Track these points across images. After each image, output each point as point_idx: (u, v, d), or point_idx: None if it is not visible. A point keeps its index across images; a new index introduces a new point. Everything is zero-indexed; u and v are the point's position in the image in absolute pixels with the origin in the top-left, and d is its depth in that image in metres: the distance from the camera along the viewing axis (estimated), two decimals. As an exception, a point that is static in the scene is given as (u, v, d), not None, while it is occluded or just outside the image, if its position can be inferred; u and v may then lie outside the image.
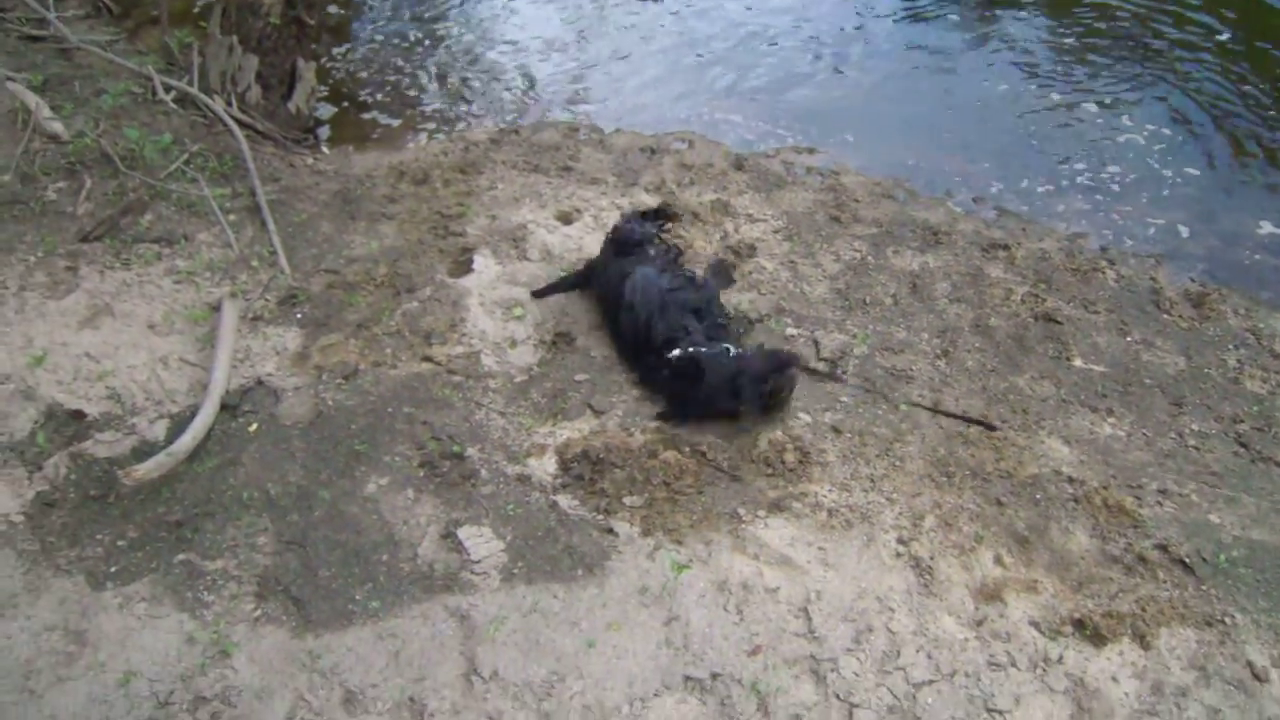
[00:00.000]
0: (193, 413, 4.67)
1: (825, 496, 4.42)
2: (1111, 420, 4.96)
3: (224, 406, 4.77)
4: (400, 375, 4.99)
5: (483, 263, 5.70)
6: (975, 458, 4.65)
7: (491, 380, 5.00)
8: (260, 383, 4.93)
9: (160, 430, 4.66)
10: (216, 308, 5.26)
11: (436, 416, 4.75)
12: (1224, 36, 8.55)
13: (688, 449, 4.60)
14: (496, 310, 5.40)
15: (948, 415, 4.95)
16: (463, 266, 5.71)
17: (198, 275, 5.52)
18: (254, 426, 4.73)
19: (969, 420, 4.92)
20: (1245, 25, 8.66)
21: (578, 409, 4.84)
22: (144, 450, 4.52)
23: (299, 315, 5.35)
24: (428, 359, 5.08)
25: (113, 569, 4.06)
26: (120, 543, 4.16)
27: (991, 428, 4.89)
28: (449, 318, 5.32)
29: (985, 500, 4.45)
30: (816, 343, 5.25)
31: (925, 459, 4.64)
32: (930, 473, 4.57)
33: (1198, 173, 7.00)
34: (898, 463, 4.60)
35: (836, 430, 4.75)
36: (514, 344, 5.24)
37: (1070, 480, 4.57)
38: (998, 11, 9.05)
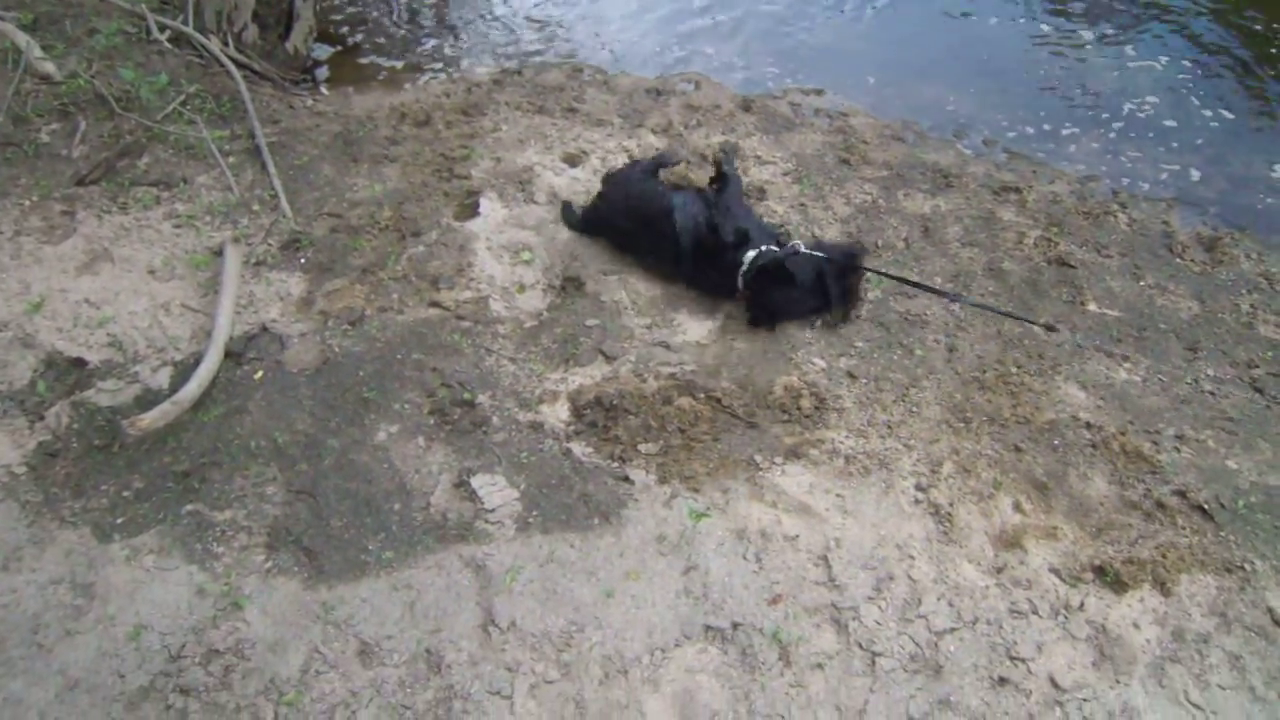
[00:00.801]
0: (197, 360, 4.59)
1: (842, 443, 4.38)
2: (1127, 365, 4.92)
3: (228, 354, 4.68)
4: (408, 321, 4.91)
5: (489, 206, 5.60)
6: (992, 403, 4.61)
7: (501, 326, 4.92)
8: (265, 329, 4.84)
9: (164, 378, 4.58)
10: (218, 252, 5.16)
11: (446, 363, 4.68)
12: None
13: (703, 395, 4.55)
14: (504, 254, 5.31)
15: (1006, 315, 5.07)
16: (468, 210, 5.61)
17: (198, 219, 5.41)
18: (260, 374, 4.65)
19: (1027, 321, 5.04)
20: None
21: (589, 355, 4.77)
22: (148, 399, 4.44)
23: (302, 260, 5.25)
24: (435, 304, 5.00)
25: (119, 520, 4.00)
26: (126, 494, 4.10)
27: (1052, 329, 5.02)
28: (456, 262, 5.23)
29: (1003, 446, 4.41)
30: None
31: (942, 405, 4.59)
32: (947, 419, 4.52)
33: (1209, 113, 6.92)
34: (914, 409, 4.56)
35: (852, 376, 4.69)
36: (522, 288, 5.15)
37: (1088, 426, 4.53)
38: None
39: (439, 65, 7.33)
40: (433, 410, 4.48)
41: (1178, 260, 5.63)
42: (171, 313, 4.89)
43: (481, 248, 5.32)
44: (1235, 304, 5.36)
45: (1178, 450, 4.49)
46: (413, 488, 4.16)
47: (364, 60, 7.35)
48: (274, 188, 5.67)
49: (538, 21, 7.87)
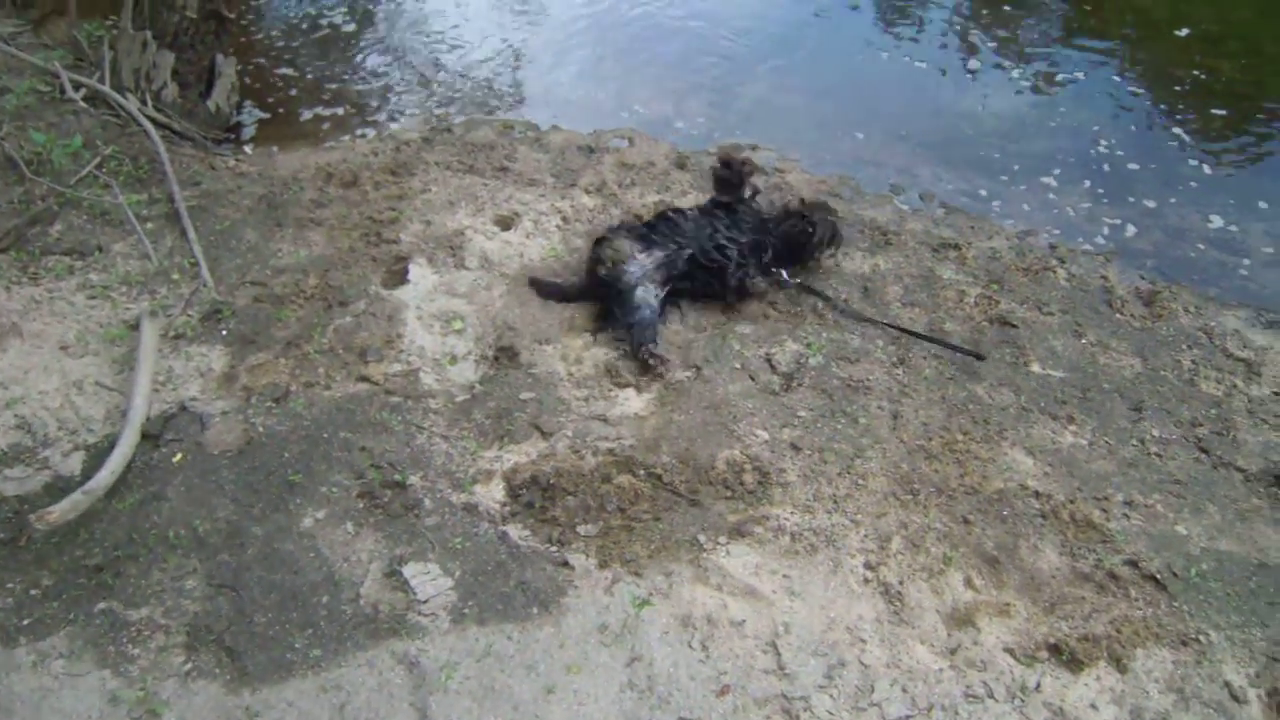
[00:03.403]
0: (111, 443, 4.37)
1: (788, 520, 4.25)
2: (1073, 428, 4.84)
3: (145, 435, 4.47)
4: (335, 397, 4.72)
5: (418, 272, 5.43)
6: (939, 473, 4.51)
7: (432, 400, 4.74)
8: (184, 408, 4.63)
9: (76, 463, 4.35)
10: (135, 326, 4.94)
11: (375, 442, 4.49)
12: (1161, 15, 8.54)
13: (643, 472, 4.40)
14: (435, 324, 5.14)
15: (933, 341, 5.23)
16: (397, 276, 5.44)
17: (113, 290, 5.19)
18: (178, 457, 4.44)
19: (957, 349, 5.18)
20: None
21: (524, 430, 4.60)
22: (58, 486, 4.22)
23: (224, 332, 5.05)
24: (364, 378, 4.82)
25: (25, 622, 3.77)
26: (33, 592, 3.87)
27: (980, 356, 5.14)
28: (385, 333, 5.05)
29: (952, 519, 4.31)
30: (769, 358, 5.05)
31: (888, 476, 4.48)
32: (894, 490, 4.41)
33: (1136, 166, 6.91)
34: (860, 481, 4.44)
35: (795, 448, 4.57)
36: (454, 360, 4.98)
37: (1037, 495, 4.44)
38: (933, 5, 8.93)
39: (368, 121, 7.14)
40: (362, 493, 4.29)
41: (1118, 316, 5.58)
42: (85, 392, 4.67)
43: (411, 317, 5.15)
44: (1177, 360, 5.31)
45: (1127, 517, 4.41)
46: (341, 578, 3.96)
47: (289, 117, 7.15)
48: (194, 255, 5.47)
49: (468, 76, 7.71)
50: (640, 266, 5.17)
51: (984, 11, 8.85)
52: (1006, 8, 8.81)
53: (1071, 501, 4.42)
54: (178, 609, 3.84)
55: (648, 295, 5.13)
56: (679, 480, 4.37)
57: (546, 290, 5.44)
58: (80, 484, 4.15)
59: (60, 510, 3.95)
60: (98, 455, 4.36)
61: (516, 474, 4.39)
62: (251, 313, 5.15)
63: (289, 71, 7.61)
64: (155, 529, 4.10)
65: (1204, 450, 4.82)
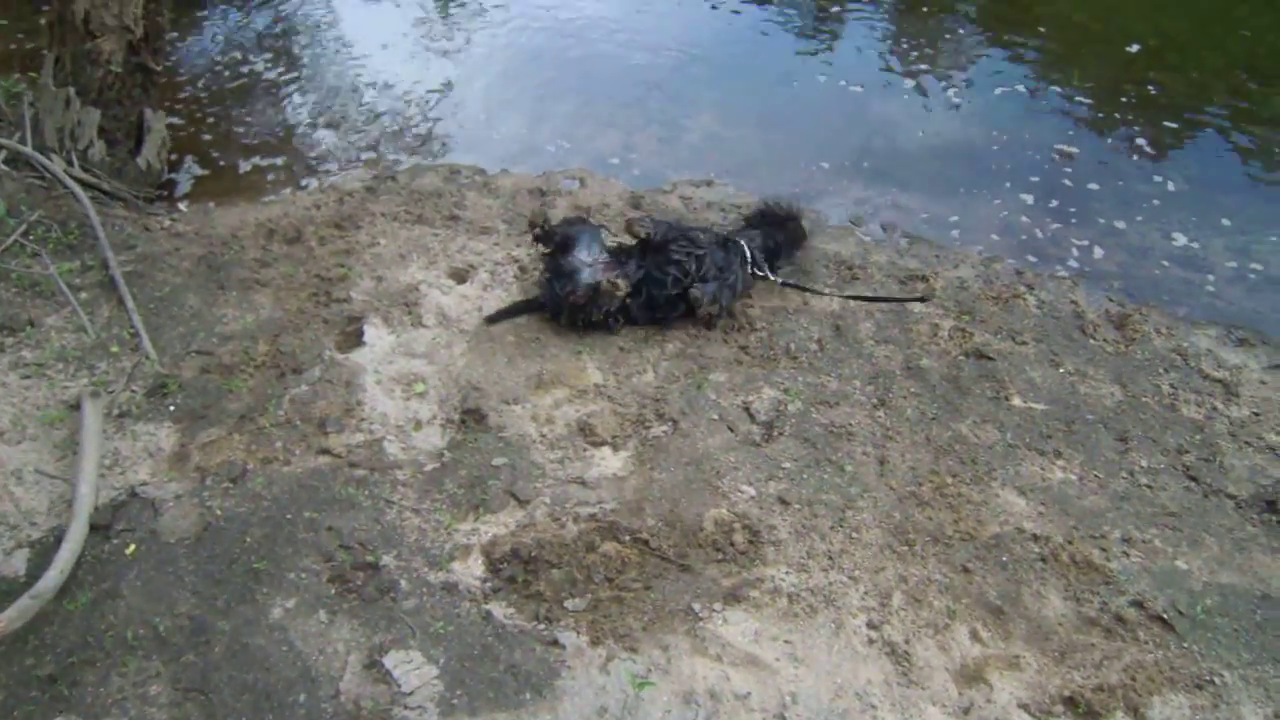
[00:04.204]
0: (58, 538, 4.07)
1: (783, 580, 4.07)
2: (1061, 463, 4.73)
3: (94, 527, 4.17)
4: (296, 473, 4.46)
5: (374, 333, 5.19)
6: (933, 520, 4.36)
7: (399, 471, 4.50)
8: (134, 494, 4.35)
9: (20, 562, 4.05)
10: (75, 406, 4.64)
11: (342, 520, 4.24)
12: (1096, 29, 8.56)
13: (628, 538, 4.20)
14: (395, 388, 4.91)
15: (880, 300, 5.60)
16: (352, 338, 5.19)
17: (49, 368, 4.88)
18: (131, 548, 4.15)
19: (901, 300, 5.59)
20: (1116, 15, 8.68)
21: (500, 499, 4.38)
22: (1, 590, 3.90)
23: (171, 408, 4.76)
24: (325, 451, 4.56)
25: (-24, 744, 3.47)
26: (-17, 709, 3.56)
27: (923, 299, 5.56)
28: (343, 401, 4.80)
29: (951, 568, 4.15)
30: (747, 406, 4.88)
31: (882, 526, 4.32)
32: (889, 542, 4.25)
33: (1096, 185, 6.86)
34: (854, 534, 4.27)
35: (784, 502, 4.39)
36: (419, 425, 4.75)
37: (1034, 538, 4.31)
38: (890, 28, 8.88)
39: (307, 171, 6.89)
40: (333, 577, 4.04)
41: (1092, 341, 5.50)
42: (24, 481, 4.37)
43: (370, 382, 4.91)
44: (1155, 385, 5.24)
45: (1127, 555, 4.30)
46: (318, 673, 3.70)
47: (224, 171, 6.88)
48: (134, 325, 5.18)
49: (406, 118, 7.49)
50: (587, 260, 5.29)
51: (906, 25, 8.82)
52: (934, 22, 8.79)
53: (1070, 542, 4.30)
54: (143, 718, 3.56)
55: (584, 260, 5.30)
56: (667, 544, 4.18)
57: (500, 316, 5.39)
58: (26, 585, 3.85)
59: (7, 619, 3.65)
60: (44, 552, 4.06)
61: (495, 547, 4.17)
62: (200, 385, 4.88)
63: (220, 123, 7.34)
64: (112, 630, 3.82)
65: (1193, 478, 4.73)
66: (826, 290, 5.70)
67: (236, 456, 4.53)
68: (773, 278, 5.61)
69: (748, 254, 5.52)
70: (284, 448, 4.58)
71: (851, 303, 5.62)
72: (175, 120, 7.30)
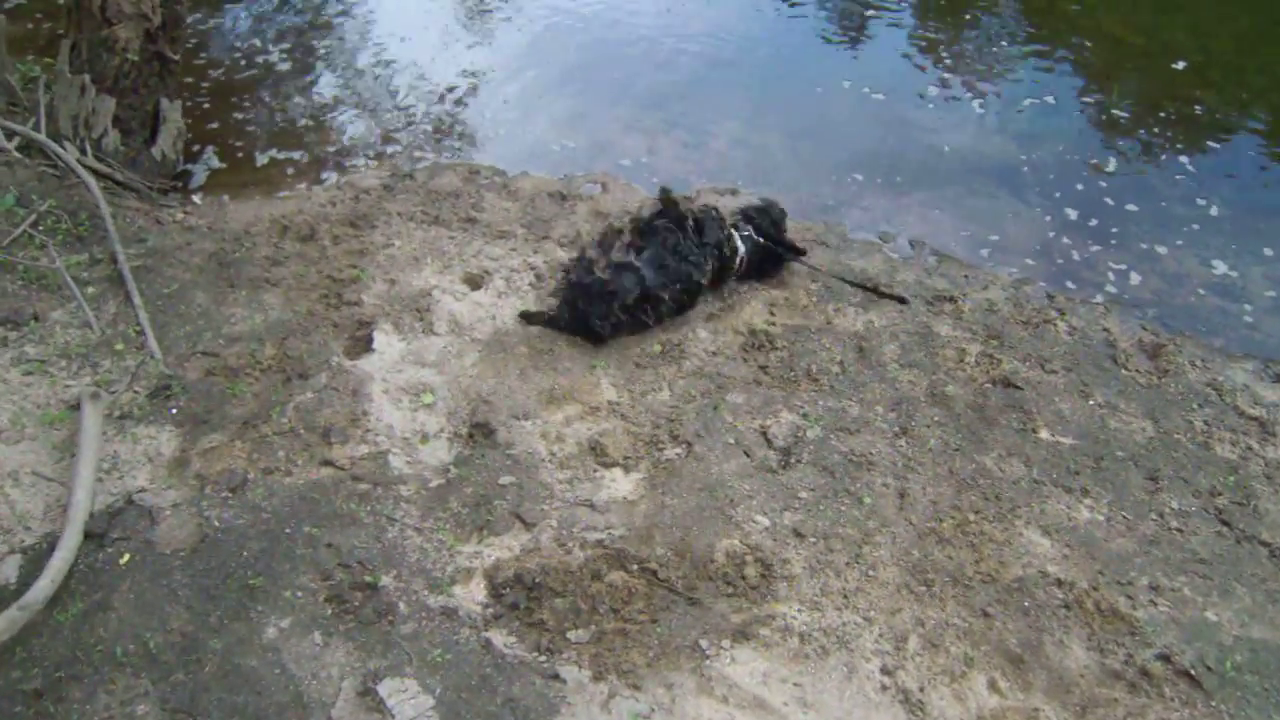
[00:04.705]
0: (51, 545, 3.96)
1: (795, 618, 3.91)
2: (1088, 502, 4.55)
3: (88, 535, 4.06)
4: (297, 484, 4.34)
5: (383, 340, 5.06)
6: (953, 559, 4.19)
7: (403, 486, 4.37)
8: (131, 501, 4.23)
9: (11, 569, 3.94)
10: (75, 407, 4.53)
11: (342, 537, 4.12)
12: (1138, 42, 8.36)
13: (636, 567, 4.05)
14: (403, 398, 4.77)
15: (864, 289, 5.65)
16: (361, 344, 5.06)
17: (51, 365, 4.78)
18: (126, 558, 4.04)
19: (883, 294, 5.63)
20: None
21: (505, 521, 4.24)
22: (-9, 597, 3.80)
23: (174, 410, 4.65)
24: (328, 463, 4.44)
25: (-44, 761, 3.35)
26: (-37, 725, 3.45)
27: (903, 300, 5.59)
28: (349, 410, 4.67)
29: (970, 612, 3.99)
30: (764, 430, 4.73)
31: (899, 564, 4.16)
32: (907, 581, 4.09)
33: (1134, 207, 6.66)
34: (870, 571, 4.11)
35: (798, 534, 4.24)
36: (425, 439, 4.61)
37: (1058, 582, 4.13)
38: (929, 42, 8.68)
39: (324, 165, 6.76)
40: (330, 597, 3.91)
41: (1124, 372, 5.31)
42: (21, 483, 4.27)
43: (377, 391, 4.78)
44: (1189, 421, 5.05)
45: (1154, 604, 4.12)
46: (311, 699, 3.58)
47: (241, 163, 6.76)
48: (140, 323, 5.07)
49: (427, 114, 7.36)
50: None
51: (940, 35, 8.63)
52: (966, 29, 8.60)
53: (1095, 588, 4.12)
54: (128, 740, 3.45)
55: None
56: (675, 576, 4.03)
57: (535, 319, 5.34)
58: (17, 594, 3.75)
59: (-6, 630, 3.55)
60: (36, 559, 3.95)
61: (498, 571, 4.03)
62: (204, 388, 4.76)
63: (239, 114, 7.22)
64: (101, 644, 3.70)
65: (1225, 523, 4.55)
66: (815, 264, 5.86)
67: (237, 465, 4.41)
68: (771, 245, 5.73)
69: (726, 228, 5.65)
70: (286, 457, 4.45)
71: (877, 322, 5.44)
72: (202, 104, 7.18)
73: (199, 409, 4.66)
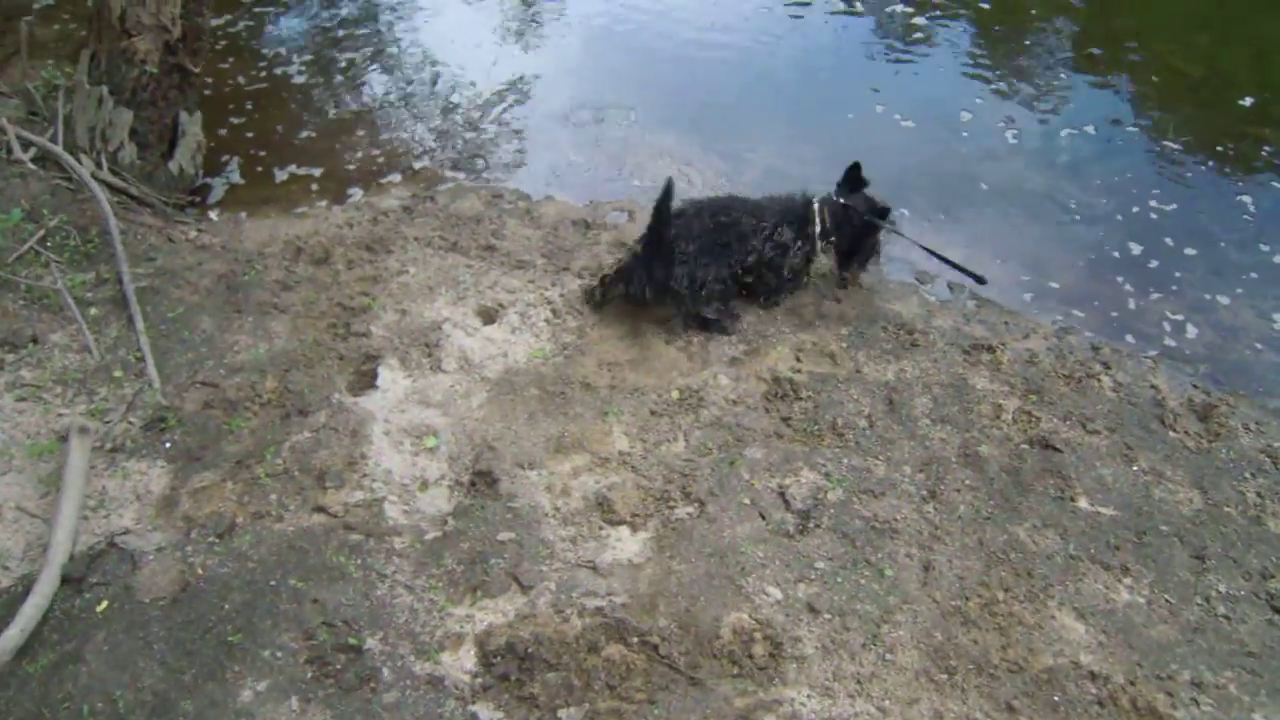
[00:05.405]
0: (26, 588, 3.78)
1: (804, 706, 3.64)
2: (1128, 581, 4.23)
3: (66, 580, 3.87)
4: (287, 531, 4.13)
5: (388, 376, 4.85)
6: (979, 644, 3.89)
7: (397, 539, 4.14)
8: (114, 544, 4.04)
9: (-16, 613, 3.76)
10: (66, 438, 4.34)
11: (329, 592, 3.90)
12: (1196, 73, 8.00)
13: (636, 640, 3.80)
14: (405, 441, 4.55)
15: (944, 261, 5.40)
16: (365, 379, 4.85)
17: (46, 391, 4.62)
18: (103, 605, 3.86)
19: (961, 270, 5.34)
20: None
21: (501, 581, 4.00)
22: (-41, 648, 3.61)
23: (167, 444, 4.48)
24: (320, 509, 4.23)
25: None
26: (-84, 789, 3.27)
27: (981, 280, 5.31)
28: (347, 452, 4.46)
29: (995, 706, 3.69)
30: (783, 491, 4.45)
31: (920, 647, 3.87)
32: (927, 667, 3.80)
33: (1191, 250, 6.30)
34: (888, 655, 3.83)
35: (813, 609, 3.96)
36: (425, 486, 4.39)
37: (1092, 675, 3.82)
38: (973, 62, 8.36)
39: (344, 183, 6.54)
40: (311, 658, 3.69)
41: (1171, 434, 4.99)
42: (4, 519, 4.10)
43: (378, 432, 4.56)
44: (1240, 492, 4.72)
45: (1196, 703, 3.80)
46: (280, 774, 3.36)
47: (260, 178, 6.57)
48: (140, 348, 4.88)
49: (457, 132, 7.14)
50: None
51: (990, 56, 8.30)
52: (1017, 58, 8.28)
53: (1132, 683, 3.81)
54: (85, 811, 3.25)
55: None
56: (678, 652, 3.77)
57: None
58: (-14, 641, 3.57)
59: (-46, 686, 3.36)
60: (10, 604, 3.78)
61: (490, 638, 3.79)
62: (200, 421, 4.57)
63: (261, 127, 7.02)
64: (69, 700, 3.52)
65: (1277, 610, 4.21)
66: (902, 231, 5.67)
67: (227, 508, 4.21)
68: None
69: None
70: (278, 501, 4.25)
71: (909, 371, 5.15)
72: (224, 115, 7.01)
73: (193, 444, 4.47)
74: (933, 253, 5.39)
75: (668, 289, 5.11)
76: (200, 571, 3.96)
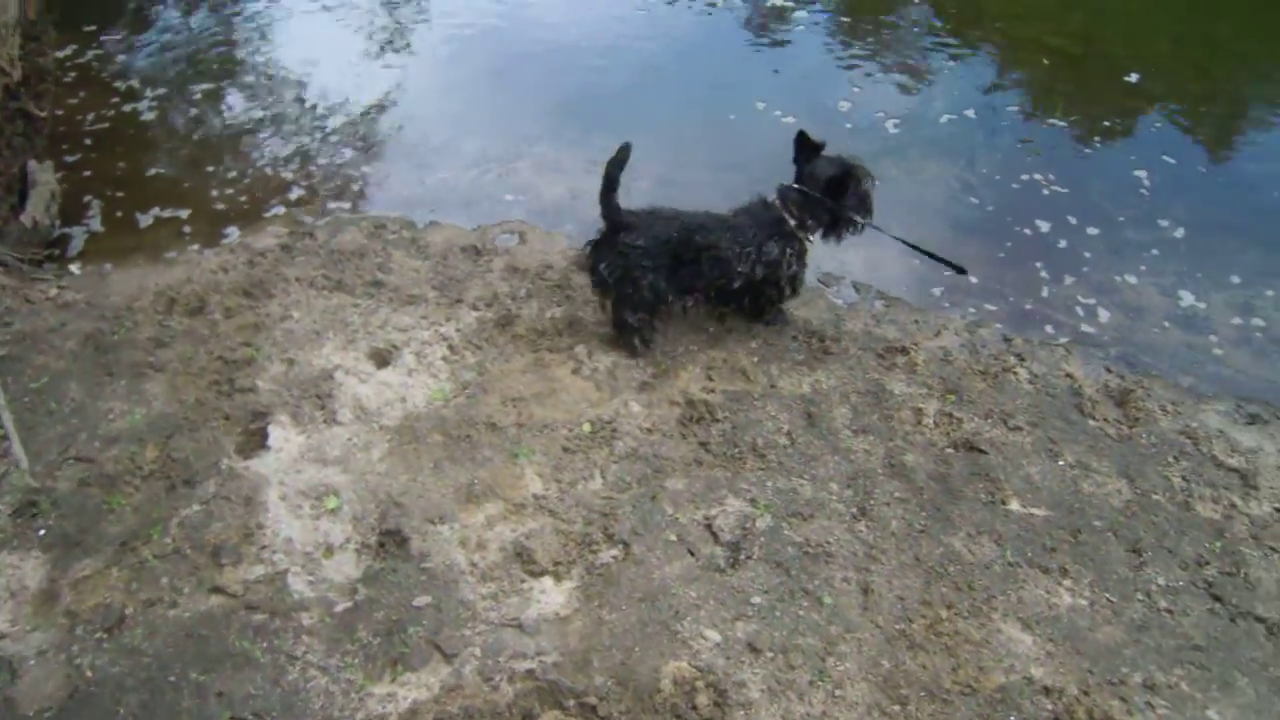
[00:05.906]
0: (-112, 715, 3.40)
1: (756, 756, 3.44)
2: (1068, 584, 4.13)
3: (-64, 698, 3.49)
4: (183, 619, 3.80)
5: (280, 434, 4.53)
6: (927, 668, 3.74)
7: (305, 614, 3.84)
8: (-12, 651, 3.66)
9: None
10: (-75, 537, 3.96)
11: (235, 683, 3.59)
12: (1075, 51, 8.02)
13: (573, 703, 3.56)
14: (303, 504, 4.24)
15: (922, 253, 5.10)
16: (255, 439, 4.53)
17: (-101, 483, 4.19)
18: (-21, 723, 3.48)
19: (943, 262, 5.07)
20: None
21: (422, 652, 3.72)
22: None
23: (41, 531, 4.10)
24: (218, 589, 3.90)
25: None
26: None
27: (961, 270, 5.19)
28: (241, 523, 4.14)
29: (951, 735, 3.54)
30: (709, 523, 4.25)
31: (868, 679, 3.69)
32: (879, 700, 3.63)
33: (1095, 230, 6.26)
34: (837, 690, 3.65)
35: (754, 649, 3.76)
36: (330, 552, 4.09)
37: (1045, 690, 3.69)
38: (845, 50, 8.26)
39: (215, 224, 6.16)
40: (219, 762, 3.38)
41: (1091, 423, 4.92)
42: None
43: (274, 497, 4.25)
44: (1166, 478, 4.66)
45: (1151, 706, 3.70)
46: None
47: (123, 225, 6.15)
48: (3, 425, 4.48)
49: (332, 159, 6.80)
50: None
51: (862, 52, 8.25)
52: (886, 40, 8.25)
53: (1086, 693, 3.69)
54: None
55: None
56: (618, 711, 3.53)
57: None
58: None
59: None
60: None
61: (416, 717, 3.51)
62: (76, 502, 4.20)
63: (119, 170, 6.59)
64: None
65: (1217, 598, 4.15)
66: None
67: (114, 598, 3.86)
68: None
69: None
70: (170, 585, 3.91)
71: (824, 382, 4.99)
72: (78, 158, 6.55)
73: (71, 528, 4.11)
74: (908, 243, 5.09)
75: (598, 274, 4.90)
76: (89, 673, 3.62)
